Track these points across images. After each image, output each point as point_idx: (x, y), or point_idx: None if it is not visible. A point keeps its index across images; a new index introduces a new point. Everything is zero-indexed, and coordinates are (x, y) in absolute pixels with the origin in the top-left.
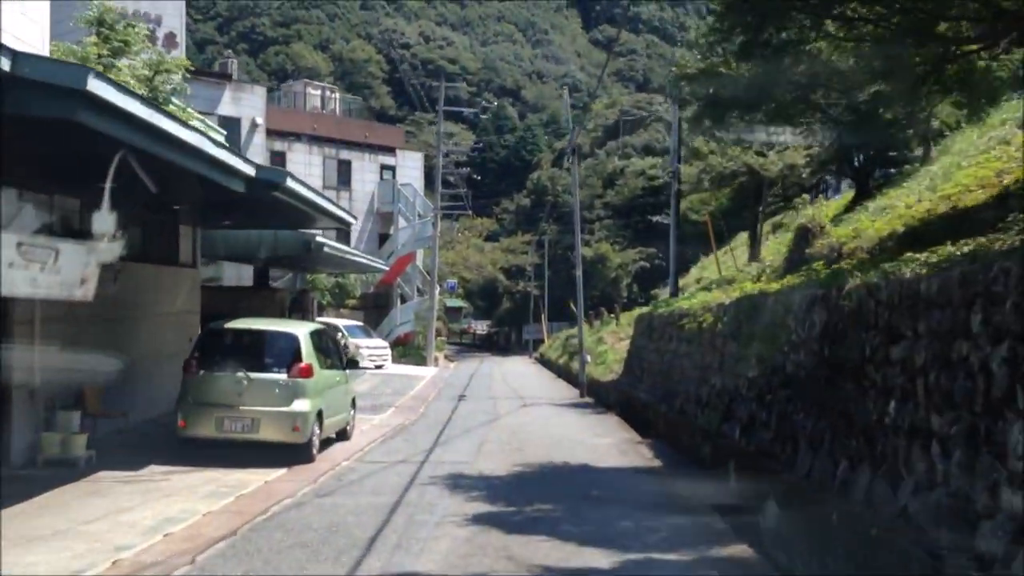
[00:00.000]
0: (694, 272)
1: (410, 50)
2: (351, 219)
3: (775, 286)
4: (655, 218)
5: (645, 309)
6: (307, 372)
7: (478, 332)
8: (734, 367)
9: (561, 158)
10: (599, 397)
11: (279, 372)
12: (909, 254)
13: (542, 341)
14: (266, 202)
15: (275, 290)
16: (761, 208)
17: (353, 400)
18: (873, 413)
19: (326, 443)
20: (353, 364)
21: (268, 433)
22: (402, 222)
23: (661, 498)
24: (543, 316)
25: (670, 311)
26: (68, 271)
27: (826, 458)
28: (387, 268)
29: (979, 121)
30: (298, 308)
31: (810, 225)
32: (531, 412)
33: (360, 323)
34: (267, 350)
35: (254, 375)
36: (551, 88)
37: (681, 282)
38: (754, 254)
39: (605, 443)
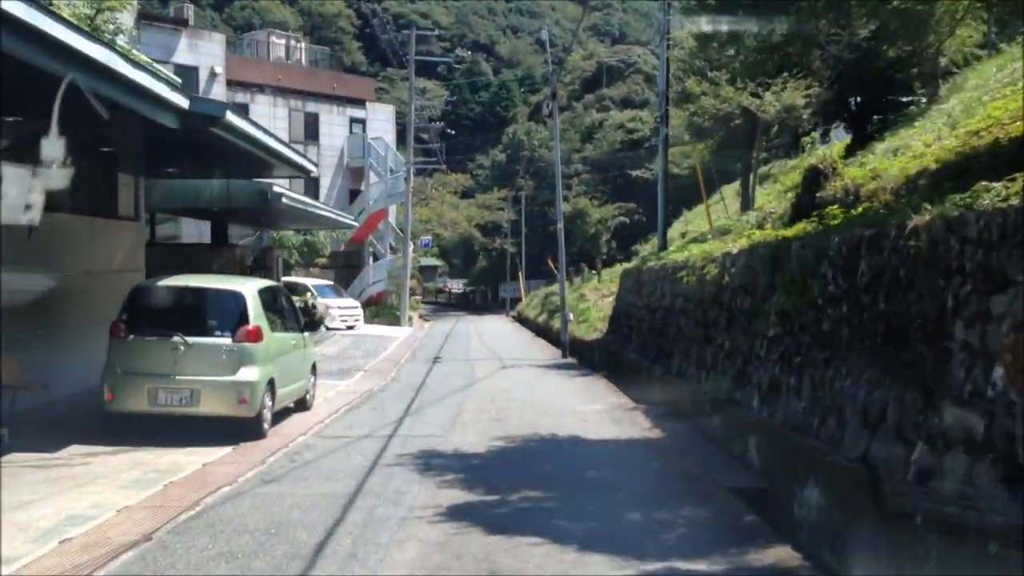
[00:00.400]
0: (677, 226)
1: (381, 4)
2: (310, 166)
3: (789, 232)
4: (635, 172)
5: (631, 264)
6: (255, 335)
7: (454, 291)
8: (748, 325)
9: (537, 112)
10: (583, 357)
11: (222, 336)
12: (982, 184)
13: (519, 299)
14: (210, 144)
15: (234, 247)
16: (755, 155)
17: (314, 366)
18: (966, 383)
19: (281, 415)
20: (314, 325)
21: (210, 406)
22: (373, 177)
23: (669, 479)
24: (520, 273)
25: (662, 264)
26: (12, 196)
27: (890, 438)
28: (357, 224)
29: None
30: (261, 267)
31: (821, 166)
32: (511, 375)
33: (330, 282)
34: (208, 311)
35: (192, 339)
36: (525, 43)
37: (654, 241)
38: (746, 204)
39: (595, 410)
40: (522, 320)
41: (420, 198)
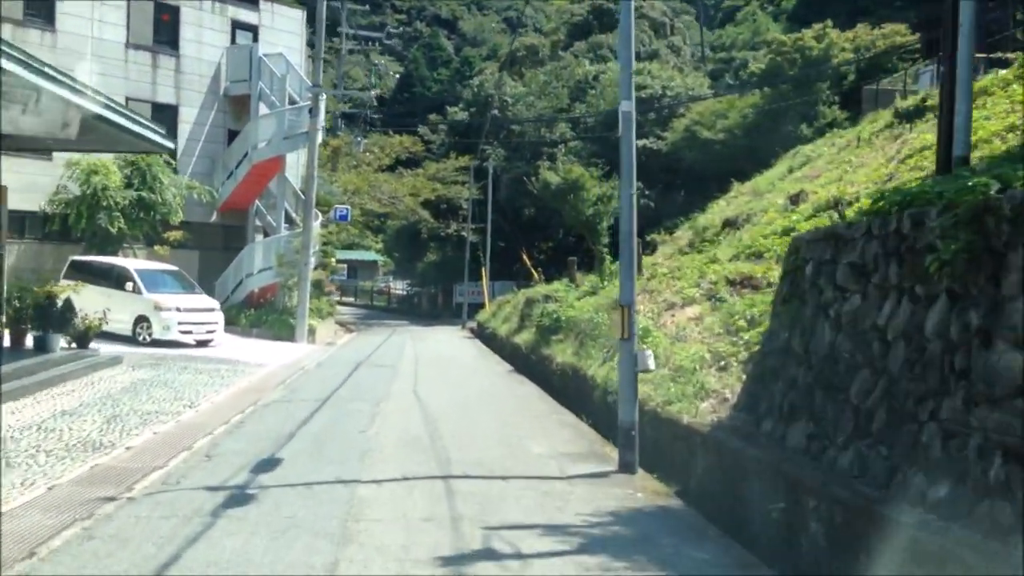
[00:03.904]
0: (721, 205)
1: None
2: None
3: None
4: (642, 142)
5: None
6: None
7: (395, 291)
8: None
9: (512, 63)
10: (684, 478)
11: None
12: None
13: (482, 306)
14: None
15: None
16: None
17: None
18: None
19: None
20: None
21: None
22: (263, 109)
23: None
24: (484, 271)
25: None
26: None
27: None
28: (171, 145)
29: None
30: None
31: None
32: None
33: (172, 268)
34: None
35: None
36: (492, 20)
37: (694, 223)
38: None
39: None
40: (485, 337)
41: (352, 166)
